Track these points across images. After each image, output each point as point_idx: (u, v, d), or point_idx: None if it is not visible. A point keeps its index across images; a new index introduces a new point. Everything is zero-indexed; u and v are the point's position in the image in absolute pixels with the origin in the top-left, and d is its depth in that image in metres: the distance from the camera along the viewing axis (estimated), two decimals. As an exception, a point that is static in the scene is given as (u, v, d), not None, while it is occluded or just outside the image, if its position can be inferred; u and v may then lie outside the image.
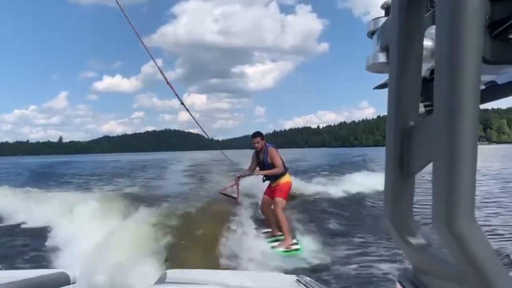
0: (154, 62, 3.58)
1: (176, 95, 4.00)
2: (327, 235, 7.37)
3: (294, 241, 6.74)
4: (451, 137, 0.36)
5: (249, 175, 7.33)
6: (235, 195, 7.31)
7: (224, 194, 7.41)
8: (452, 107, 0.36)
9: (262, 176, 7.14)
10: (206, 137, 6.53)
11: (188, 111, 4.52)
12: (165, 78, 3.76)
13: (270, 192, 7.03)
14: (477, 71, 0.36)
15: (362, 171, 14.92)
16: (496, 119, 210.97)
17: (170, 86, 3.79)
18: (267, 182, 7.13)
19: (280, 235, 6.86)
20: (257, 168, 7.16)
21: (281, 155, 7.10)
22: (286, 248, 6.57)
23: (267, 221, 7.26)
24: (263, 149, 7.01)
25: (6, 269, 5.10)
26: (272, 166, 6.92)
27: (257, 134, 7.10)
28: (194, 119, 4.97)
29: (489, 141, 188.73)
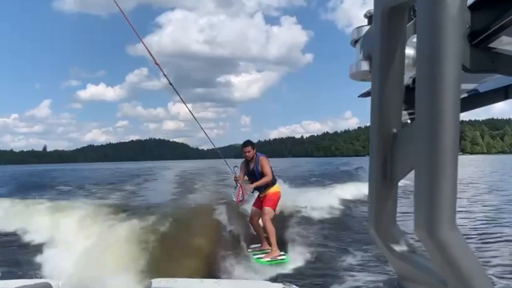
0: (144, 45, 3.56)
1: (165, 75, 3.99)
2: (315, 244, 7.27)
3: (281, 252, 6.48)
4: (432, 145, 0.36)
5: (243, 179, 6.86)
6: (246, 197, 6.87)
7: (242, 201, 6.88)
8: (432, 114, 0.36)
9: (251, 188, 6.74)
10: (213, 146, 6.33)
11: (178, 94, 4.48)
12: (153, 58, 3.73)
13: (259, 203, 6.74)
14: (457, 79, 0.36)
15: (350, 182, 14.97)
16: (470, 130, 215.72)
17: (159, 67, 3.77)
18: (256, 193, 6.85)
19: (268, 248, 6.56)
20: (246, 178, 6.82)
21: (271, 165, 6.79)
22: (272, 258, 6.32)
23: (256, 234, 6.95)
24: (254, 158, 6.69)
25: None
26: (262, 175, 6.62)
27: (248, 143, 6.80)
28: (190, 112, 4.95)
29: (463, 152, 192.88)
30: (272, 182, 6.71)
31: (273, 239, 6.43)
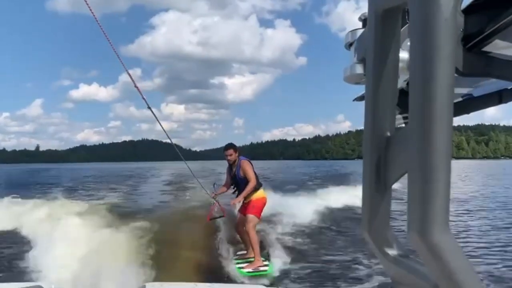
0: (125, 67, 3.52)
1: (143, 98, 3.92)
2: (307, 250, 7.17)
3: (265, 262, 6.17)
4: (425, 148, 0.35)
5: (224, 192, 6.63)
6: (221, 214, 6.57)
7: (212, 219, 6.61)
8: (425, 118, 0.36)
9: (235, 192, 6.44)
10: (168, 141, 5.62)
11: (157, 118, 4.44)
12: (133, 80, 3.68)
13: (244, 208, 6.33)
14: (451, 83, 0.36)
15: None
16: (456, 136, 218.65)
17: (138, 90, 3.73)
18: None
19: (253, 257, 6.17)
20: (231, 185, 6.51)
21: (255, 169, 6.42)
22: (254, 269, 5.96)
23: (242, 241, 6.65)
24: (236, 162, 6.31)
25: None
26: (244, 180, 6.21)
27: (230, 146, 6.36)
28: (161, 126, 4.86)
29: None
30: (256, 188, 6.25)
31: (256, 248, 6.09)
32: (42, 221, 7.85)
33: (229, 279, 5.58)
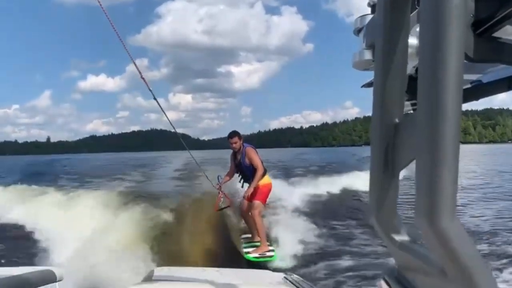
0: (132, 59, 3.51)
1: (150, 90, 3.91)
2: (313, 235, 7.15)
3: (270, 248, 6.23)
4: (433, 135, 0.35)
5: (228, 180, 6.66)
6: (227, 205, 6.60)
7: (220, 210, 6.57)
8: (434, 104, 0.35)
9: (241, 180, 6.52)
10: (173, 130, 5.54)
11: (162, 109, 4.44)
12: (139, 71, 3.67)
13: (250, 195, 6.31)
14: (460, 69, 0.35)
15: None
16: (463, 120, 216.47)
17: (144, 81, 3.71)
18: (246, 185, 6.42)
19: (259, 241, 6.28)
20: (235, 173, 6.56)
21: (260, 156, 6.42)
22: (260, 254, 6.04)
23: (248, 227, 6.73)
24: (240, 149, 6.29)
25: None
26: (249, 167, 6.23)
27: (234, 133, 6.33)
28: (168, 120, 4.86)
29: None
30: (262, 174, 6.27)
31: (262, 234, 6.17)
32: (54, 208, 8.00)
33: (236, 264, 5.63)
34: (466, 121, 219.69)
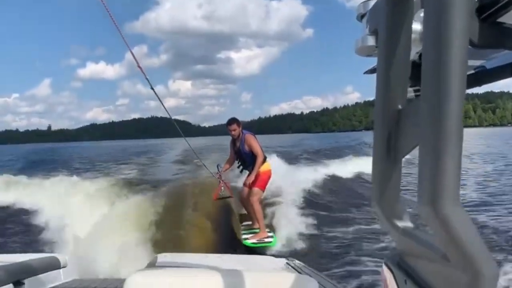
0: (129, 47, 3.47)
1: (146, 78, 3.87)
2: (314, 221, 7.11)
3: (269, 234, 6.22)
4: (437, 121, 0.35)
5: (228, 168, 6.62)
6: (228, 194, 6.50)
7: (219, 199, 6.52)
8: (438, 90, 0.35)
9: (240, 166, 6.43)
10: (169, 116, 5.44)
11: (159, 98, 4.40)
12: (136, 61, 3.62)
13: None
14: (464, 55, 0.35)
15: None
16: (463, 104, 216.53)
17: (142, 70, 3.67)
18: (246, 172, 6.34)
19: (258, 228, 6.27)
20: (235, 160, 6.48)
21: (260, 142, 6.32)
22: (258, 240, 6.03)
23: (247, 213, 6.66)
24: (239, 136, 6.18)
25: None
26: (249, 154, 6.15)
27: (233, 120, 6.22)
28: (165, 109, 4.82)
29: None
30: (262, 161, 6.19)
31: (260, 221, 6.17)
32: (59, 196, 8.03)
33: (237, 250, 5.66)
34: (466, 104, 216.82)
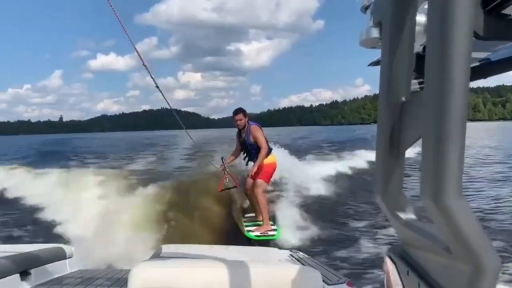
0: (133, 46, 3.47)
1: (152, 77, 3.85)
2: (316, 214, 7.10)
3: (273, 226, 6.15)
4: (440, 113, 0.35)
5: (233, 160, 6.62)
6: (233, 184, 6.49)
7: (224, 190, 6.49)
8: (441, 83, 0.35)
9: (245, 158, 6.38)
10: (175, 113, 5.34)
11: (164, 96, 4.40)
12: (142, 59, 3.61)
13: (254, 174, 6.11)
14: (468, 47, 0.34)
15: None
16: (473, 98, 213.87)
17: (147, 69, 3.66)
18: (251, 164, 6.23)
19: (262, 220, 6.18)
20: (240, 151, 6.45)
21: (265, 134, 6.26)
22: (262, 233, 5.93)
23: (251, 205, 6.62)
24: (245, 127, 6.10)
25: (5, 243, 5.10)
26: (254, 145, 6.06)
27: (239, 110, 6.14)
28: (168, 104, 4.82)
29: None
30: (267, 153, 6.11)
31: (264, 213, 6.08)
32: (67, 187, 8.11)
33: (242, 242, 5.67)
34: (476, 98, 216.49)
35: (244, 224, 6.31)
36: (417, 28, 0.47)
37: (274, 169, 6.28)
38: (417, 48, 0.49)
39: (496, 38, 0.49)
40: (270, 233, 5.96)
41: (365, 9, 0.57)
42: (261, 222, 6.18)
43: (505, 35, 0.49)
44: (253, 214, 6.59)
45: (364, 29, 0.55)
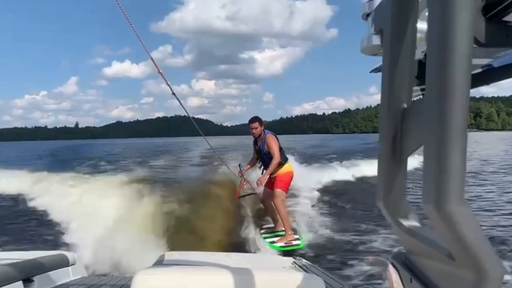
0: (149, 54, 3.52)
1: (168, 85, 3.89)
2: (327, 221, 7.08)
3: (296, 236, 6.02)
4: (442, 120, 0.35)
5: (250, 168, 6.52)
6: (251, 191, 6.39)
7: (242, 197, 6.42)
8: (442, 89, 0.35)
9: (261, 167, 6.25)
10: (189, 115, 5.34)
11: (180, 102, 4.42)
12: (157, 67, 3.67)
13: (270, 183, 6.06)
14: (469, 54, 0.34)
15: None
16: (486, 107, 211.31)
17: (162, 76, 3.71)
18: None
19: (282, 230, 6.06)
20: (257, 160, 6.36)
21: (281, 143, 6.19)
22: (286, 243, 5.83)
23: (269, 215, 6.50)
24: (261, 135, 6.02)
25: (8, 250, 5.14)
26: (268, 154, 5.96)
27: (255, 119, 6.07)
28: (185, 111, 4.85)
29: (479, 128, 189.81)
30: (282, 162, 6.01)
31: (286, 223, 5.94)
32: (70, 193, 8.09)
33: (252, 250, 5.60)
34: (490, 107, 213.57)
35: (263, 236, 6.20)
36: (418, 35, 0.47)
37: (291, 178, 6.18)
38: (419, 55, 0.49)
39: (497, 45, 0.49)
40: (294, 242, 5.87)
41: (366, 16, 0.57)
42: (282, 233, 6.08)
43: (506, 42, 0.48)
44: (271, 225, 6.48)
45: (364, 36, 0.55)
